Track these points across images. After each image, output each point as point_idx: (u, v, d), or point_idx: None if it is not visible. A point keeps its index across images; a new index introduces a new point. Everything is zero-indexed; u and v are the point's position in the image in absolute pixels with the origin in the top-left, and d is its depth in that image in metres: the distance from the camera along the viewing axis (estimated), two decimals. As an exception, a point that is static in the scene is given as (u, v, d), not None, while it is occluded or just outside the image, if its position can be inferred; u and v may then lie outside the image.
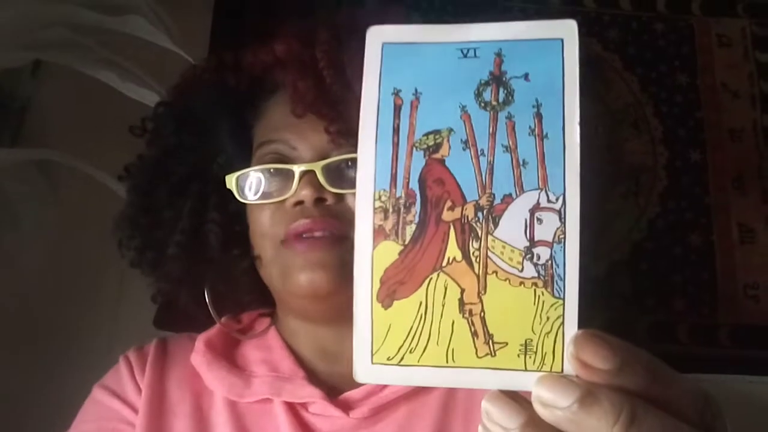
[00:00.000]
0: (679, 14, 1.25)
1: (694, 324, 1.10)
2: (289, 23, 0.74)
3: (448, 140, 0.35)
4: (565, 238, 0.34)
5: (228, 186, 0.71)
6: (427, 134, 0.35)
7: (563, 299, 0.34)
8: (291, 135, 0.70)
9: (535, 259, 0.34)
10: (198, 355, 0.72)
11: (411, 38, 0.37)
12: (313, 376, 0.70)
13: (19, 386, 0.92)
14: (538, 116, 0.35)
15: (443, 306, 0.34)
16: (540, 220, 0.34)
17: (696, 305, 1.11)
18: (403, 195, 0.35)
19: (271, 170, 0.70)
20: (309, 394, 0.67)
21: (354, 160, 0.67)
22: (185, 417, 0.68)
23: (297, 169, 0.67)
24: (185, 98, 0.77)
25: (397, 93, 0.37)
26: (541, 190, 0.34)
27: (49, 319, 0.99)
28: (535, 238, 0.34)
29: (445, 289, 0.35)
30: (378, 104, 0.36)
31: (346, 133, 0.66)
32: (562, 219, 0.34)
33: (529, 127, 0.35)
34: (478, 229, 0.35)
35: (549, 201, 0.34)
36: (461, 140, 0.35)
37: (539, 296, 0.34)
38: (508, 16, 1.19)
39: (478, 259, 0.34)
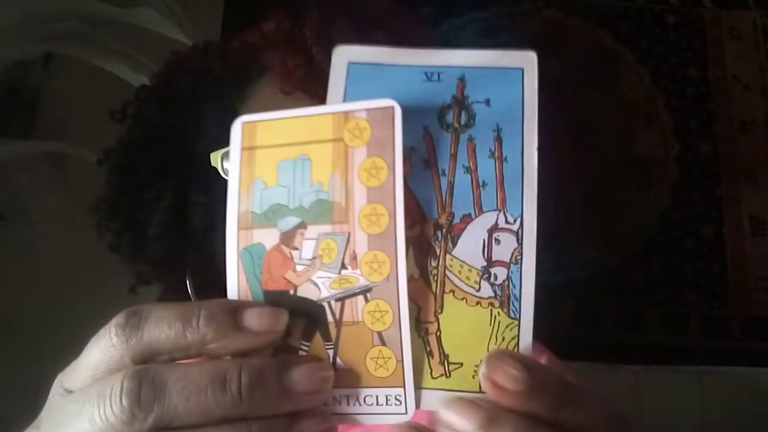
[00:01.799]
0: (690, 6, 1.24)
1: (706, 316, 1.11)
2: (278, 4, 0.73)
3: (410, 159, 0.36)
4: (521, 258, 0.34)
5: (213, 164, 0.68)
6: None
7: (519, 320, 0.34)
8: None
9: (492, 279, 0.34)
10: None
11: (377, 59, 0.38)
12: None
13: (29, 376, 0.92)
14: (498, 140, 0.35)
15: None
16: (498, 241, 0.34)
17: (708, 297, 1.11)
18: None
19: None
20: None
21: None
22: None
23: None
24: (168, 83, 0.76)
25: None
26: (500, 211, 0.34)
27: (58, 312, 0.99)
28: (493, 258, 0.34)
29: None
30: None
31: None
32: (519, 240, 0.34)
33: (490, 149, 0.35)
34: (436, 248, 0.35)
35: (507, 222, 0.34)
36: (423, 159, 0.36)
37: (495, 316, 0.34)
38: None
39: (435, 278, 0.34)
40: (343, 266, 0.34)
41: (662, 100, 1.19)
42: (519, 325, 0.34)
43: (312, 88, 0.64)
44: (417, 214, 0.35)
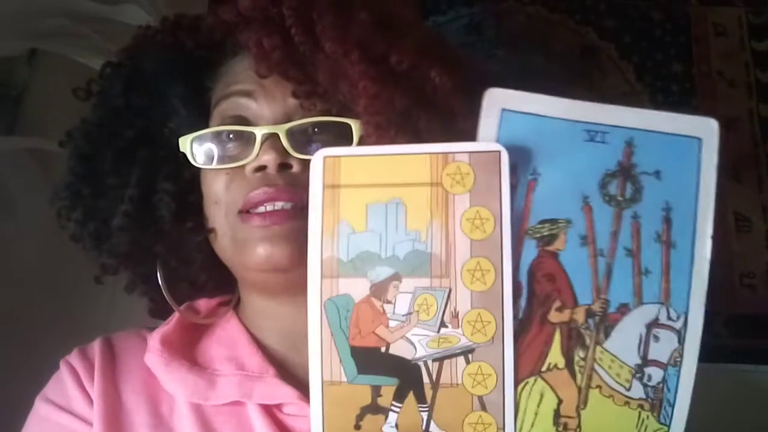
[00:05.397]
0: (675, 3, 1.24)
1: (690, 312, 1.10)
2: None
3: (565, 233, 0.33)
4: (681, 361, 0.32)
5: (182, 149, 0.66)
6: (542, 222, 0.33)
7: (669, 426, 0.32)
8: (253, 87, 0.64)
9: (645, 380, 0.32)
10: (153, 355, 0.66)
11: (533, 109, 0.35)
12: (283, 371, 0.64)
13: (13, 375, 0.92)
14: (667, 221, 0.32)
15: (536, 414, 0.32)
16: (657, 338, 0.32)
17: (692, 294, 1.11)
18: None
19: (231, 133, 0.64)
20: (284, 395, 0.61)
21: (322, 125, 0.61)
22: (144, 427, 0.62)
23: (259, 132, 0.61)
24: (136, 59, 0.71)
25: (513, 169, 0.34)
26: (662, 304, 0.32)
27: (45, 308, 0.99)
28: (649, 357, 0.32)
29: (541, 396, 0.32)
30: None
31: (313, 96, 0.61)
32: (681, 340, 0.32)
33: (656, 231, 0.32)
34: (586, 337, 0.32)
35: (669, 318, 0.32)
36: (579, 235, 0.33)
37: (643, 420, 0.32)
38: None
39: (582, 370, 0.31)
40: (443, 324, 0.32)
41: (647, 96, 1.19)
42: None
43: (290, 72, 0.61)
44: (568, 297, 0.32)
